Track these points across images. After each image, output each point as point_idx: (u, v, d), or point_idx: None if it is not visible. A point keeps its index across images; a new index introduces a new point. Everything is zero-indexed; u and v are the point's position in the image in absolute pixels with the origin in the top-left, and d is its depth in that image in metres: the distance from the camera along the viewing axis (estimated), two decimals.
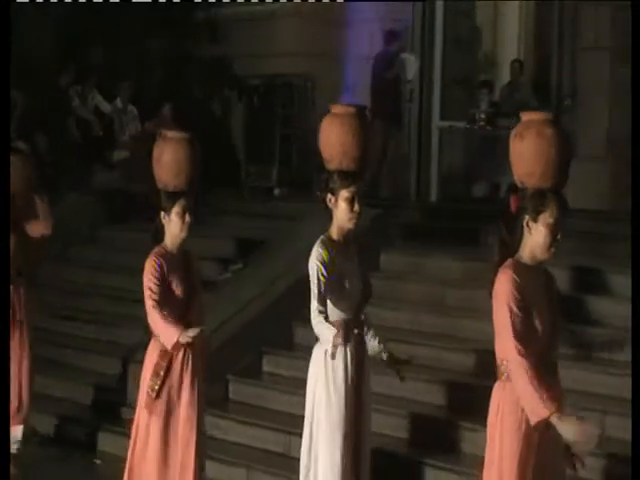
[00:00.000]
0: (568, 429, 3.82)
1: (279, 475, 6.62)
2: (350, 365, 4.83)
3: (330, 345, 4.74)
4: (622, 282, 7.31)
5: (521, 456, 3.99)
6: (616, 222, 8.90)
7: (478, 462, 4.27)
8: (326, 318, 4.77)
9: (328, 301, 4.80)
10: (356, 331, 4.87)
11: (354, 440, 4.83)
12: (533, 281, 4.08)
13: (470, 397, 6.58)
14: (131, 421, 5.54)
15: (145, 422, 5.35)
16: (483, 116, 13.37)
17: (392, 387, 6.47)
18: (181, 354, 5.34)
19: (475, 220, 9.29)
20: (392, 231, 8.93)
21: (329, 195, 4.87)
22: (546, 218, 4.02)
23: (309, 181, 13.36)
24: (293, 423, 7.28)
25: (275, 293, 8.31)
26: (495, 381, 4.14)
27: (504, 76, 14.64)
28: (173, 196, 5.35)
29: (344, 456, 4.78)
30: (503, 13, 15.72)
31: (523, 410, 3.95)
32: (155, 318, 5.23)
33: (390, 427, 6.55)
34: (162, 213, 5.37)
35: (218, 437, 7.18)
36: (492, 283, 4.07)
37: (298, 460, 7.10)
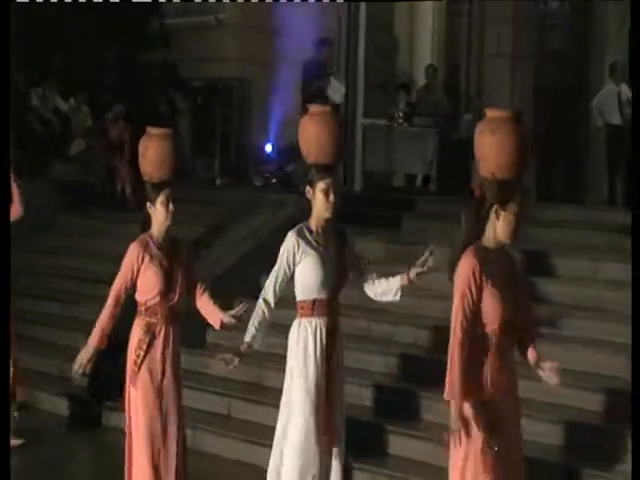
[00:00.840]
0: (452, 419, 3.92)
1: (222, 434, 6.57)
2: (321, 338, 4.79)
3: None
4: (564, 264, 7.52)
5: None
6: (556, 209, 9.06)
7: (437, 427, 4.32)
8: (265, 302, 4.83)
9: (305, 281, 4.79)
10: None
11: (326, 407, 4.79)
12: (496, 263, 4.04)
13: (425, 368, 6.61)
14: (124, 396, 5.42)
15: (133, 395, 5.25)
16: (401, 115, 13.47)
17: (358, 361, 6.61)
18: (163, 330, 5.26)
19: (395, 207, 9.34)
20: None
21: (307, 187, 4.83)
22: (513, 206, 4.00)
23: (246, 172, 13.38)
24: (234, 387, 7.30)
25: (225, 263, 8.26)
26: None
27: (420, 80, 14.70)
28: (158, 187, 5.26)
29: (317, 420, 4.75)
30: (419, 24, 15.78)
31: None
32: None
33: (356, 396, 6.49)
34: (148, 203, 5.26)
35: None
36: (453, 266, 4.05)
37: (239, 420, 7.13)
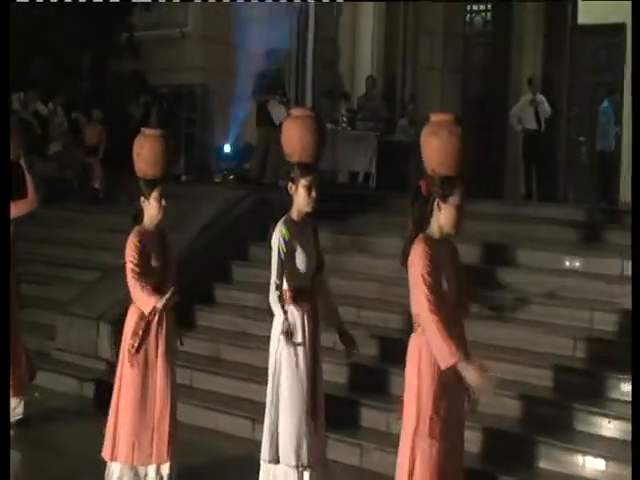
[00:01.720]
0: (471, 374, 3.79)
1: (185, 402, 6.50)
2: (307, 323, 4.72)
3: (280, 326, 4.67)
4: (523, 255, 7.48)
5: (435, 393, 3.93)
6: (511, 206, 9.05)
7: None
8: (280, 294, 4.67)
9: (292, 269, 4.69)
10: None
11: (312, 387, 4.72)
12: (441, 252, 4.00)
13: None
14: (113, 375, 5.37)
15: (127, 375, 5.16)
16: (345, 120, 13.51)
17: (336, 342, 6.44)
18: (157, 316, 5.17)
19: (340, 201, 9.32)
20: (276, 210, 8.92)
21: (290, 183, 4.75)
22: (454, 200, 3.97)
23: (207, 169, 13.33)
24: (196, 361, 7.25)
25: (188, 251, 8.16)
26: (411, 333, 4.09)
27: (360, 89, 14.71)
28: (151, 183, 5.15)
29: (304, 399, 4.67)
30: (360, 38, 15.79)
31: None
32: (136, 289, 5.06)
33: (332, 374, 6.37)
34: (142, 198, 5.17)
35: None
36: (406, 254, 4.00)
37: (199, 390, 7.07)
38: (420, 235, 4.01)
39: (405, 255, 4.03)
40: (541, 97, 12.37)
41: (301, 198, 4.76)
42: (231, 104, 13.72)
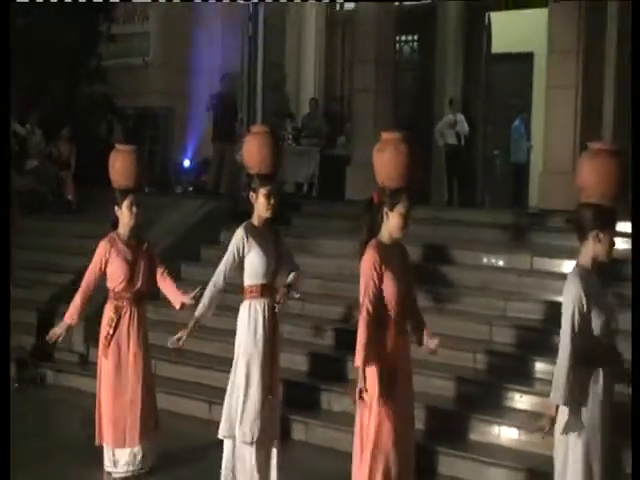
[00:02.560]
0: (359, 377, 3.90)
1: None
2: (267, 316, 4.69)
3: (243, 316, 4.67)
4: (448, 253, 7.51)
5: (381, 375, 3.97)
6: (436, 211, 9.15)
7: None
8: (214, 285, 4.68)
9: (253, 268, 4.66)
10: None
11: (272, 372, 4.70)
12: (391, 254, 4.04)
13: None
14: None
15: (103, 366, 5.13)
16: (290, 137, 13.51)
17: (292, 334, 6.52)
18: (128, 311, 5.14)
19: (286, 208, 9.30)
20: (230, 216, 8.90)
21: (251, 193, 4.72)
22: (400, 209, 4.00)
23: (169, 182, 13.23)
24: (159, 351, 7.15)
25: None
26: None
27: (304, 109, 14.73)
28: (124, 193, 5.10)
29: (266, 384, 4.64)
30: (304, 64, 15.84)
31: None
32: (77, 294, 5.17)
33: (293, 362, 6.43)
34: (116, 207, 5.13)
35: None
36: (361, 256, 4.04)
37: (163, 377, 6.99)
38: (372, 240, 4.05)
39: (362, 256, 4.07)
40: (461, 116, 12.51)
41: (261, 205, 4.72)
42: (189, 124, 13.66)
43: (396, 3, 12.26)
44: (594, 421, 3.56)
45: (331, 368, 6.44)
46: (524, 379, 5.86)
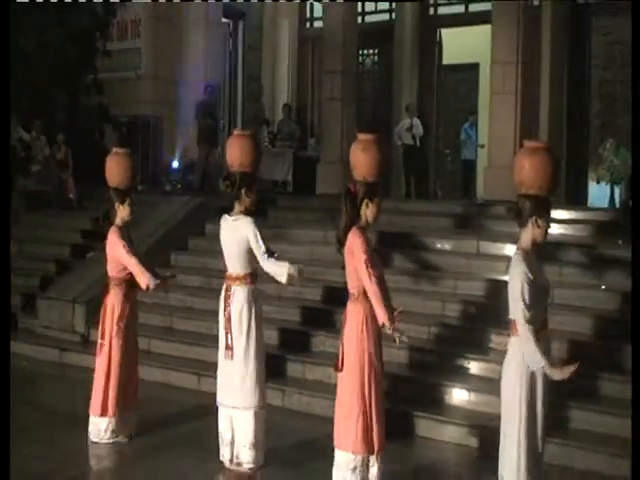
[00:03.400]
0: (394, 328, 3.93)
1: (144, 364, 6.35)
2: (259, 299, 4.67)
3: (287, 275, 4.46)
4: (406, 239, 7.41)
5: (376, 344, 4.05)
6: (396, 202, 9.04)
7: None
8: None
9: (254, 256, 4.55)
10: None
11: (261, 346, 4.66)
12: (369, 239, 4.13)
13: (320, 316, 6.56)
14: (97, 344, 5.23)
15: (116, 343, 5.06)
16: (267, 140, 13.44)
17: (270, 313, 6.31)
18: (132, 294, 5.14)
19: (263, 203, 9.21)
20: (212, 210, 8.82)
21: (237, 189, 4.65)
22: (377, 200, 4.08)
23: (159, 181, 13.12)
24: (152, 330, 7.08)
25: (146, 244, 7.93)
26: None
27: (279, 115, 14.66)
28: (123, 192, 5.09)
29: (257, 353, 4.60)
30: (279, 76, 15.77)
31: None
32: (135, 265, 4.98)
33: (270, 338, 6.27)
34: (116, 203, 5.09)
35: None
36: (341, 242, 4.09)
37: (156, 354, 6.91)
38: (355, 227, 4.08)
39: (341, 243, 4.10)
40: (417, 120, 12.52)
41: (246, 201, 4.67)
42: (176, 129, 13.56)
43: (358, 21, 12.20)
44: (538, 374, 3.59)
45: (305, 342, 6.44)
46: (473, 347, 5.88)
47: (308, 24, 15.88)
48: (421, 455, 5.04)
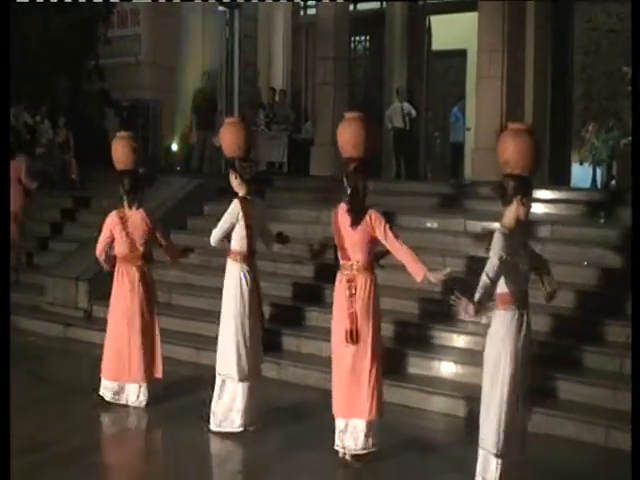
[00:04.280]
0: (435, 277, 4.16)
1: None
2: (248, 276, 4.65)
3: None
4: (397, 218, 7.22)
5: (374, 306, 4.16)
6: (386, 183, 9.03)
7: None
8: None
9: (241, 236, 4.62)
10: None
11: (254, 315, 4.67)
12: None
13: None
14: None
15: (123, 319, 5.17)
16: (263, 124, 13.35)
17: (267, 289, 6.18)
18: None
19: (260, 183, 9.17)
20: (210, 191, 8.79)
21: (232, 172, 4.70)
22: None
23: (159, 165, 13.05)
24: None
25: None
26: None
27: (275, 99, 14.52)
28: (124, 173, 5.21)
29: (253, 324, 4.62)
30: (274, 61, 15.64)
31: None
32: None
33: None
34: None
35: None
36: (354, 216, 4.15)
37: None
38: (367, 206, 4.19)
39: (359, 216, 4.16)
40: (407, 104, 12.42)
41: (235, 183, 4.70)
42: (175, 113, 13.44)
43: (350, 8, 12.06)
44: (520, 351, 3.57)
45: (299, 317, 6.43)
46: (460, 321, 5.87)
47: (302, 12, 15.70)
48: (412, 424, 5.04)
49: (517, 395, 3.57)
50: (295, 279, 6.93)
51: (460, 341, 5.73)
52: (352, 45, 13.71)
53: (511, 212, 3.63)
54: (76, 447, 4.53)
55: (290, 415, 5.08)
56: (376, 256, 4.35)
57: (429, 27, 13.44)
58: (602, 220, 6.98)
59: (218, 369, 4.68)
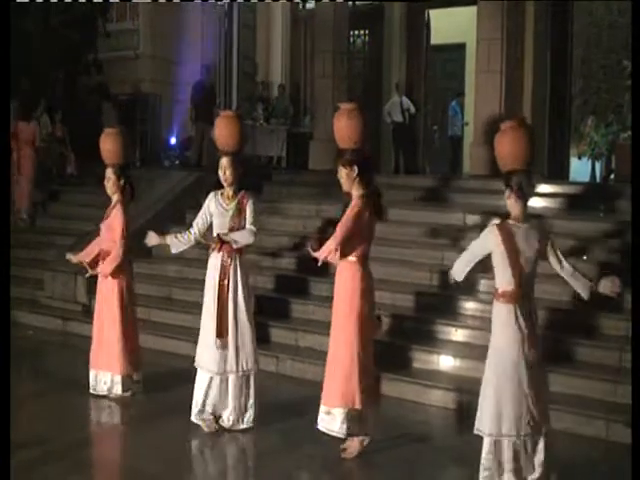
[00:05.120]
0: None
1: (145, 332, 6.32)
2: (219, 265, 4.64)
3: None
4: (396, 212, 7.02)
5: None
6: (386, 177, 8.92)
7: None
8: (189, 232, 4.80)
9: (215, 224, 4.70)
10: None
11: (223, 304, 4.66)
12: None
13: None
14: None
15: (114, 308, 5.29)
16: (262, 118, 13.31)
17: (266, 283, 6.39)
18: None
19: (259, 177, 9.21)
20: (209, 185, 8.75)
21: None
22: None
23: (158, 157, 13.00)
24: (152, 300, 7.00)
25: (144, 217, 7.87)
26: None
27: (274, 93, 14.49)
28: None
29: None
30: (272, 55, 15.58)
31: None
32: None
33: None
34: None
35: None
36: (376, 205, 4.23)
37: (155, 322, 6.85)
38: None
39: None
40: (406, 99, 12.38)
41: (221, 177, 4.73)
42: (174, 107, 13.39)
43: (350, 3, 12.01)
44: (518, 344, 3.57)
45: (296, 311, 6.41)
46: (458, 316, 5.86)
47: (301, 5, 15.63)
48: (410, 418, 5.03)
49: (523, 376, 3.55)
50: (294, 273, 6.91)
51: (459, 335, 5.71)
52: (351, 39, 13.66)
53: (513, 205, 3.64)
54: (70, 441, 4.51)
55: (288, 410, 5.05)
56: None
57: (428, 21, 13.40)
58: (601, 214, 6.96)
59: (196, 361, 4.75)
